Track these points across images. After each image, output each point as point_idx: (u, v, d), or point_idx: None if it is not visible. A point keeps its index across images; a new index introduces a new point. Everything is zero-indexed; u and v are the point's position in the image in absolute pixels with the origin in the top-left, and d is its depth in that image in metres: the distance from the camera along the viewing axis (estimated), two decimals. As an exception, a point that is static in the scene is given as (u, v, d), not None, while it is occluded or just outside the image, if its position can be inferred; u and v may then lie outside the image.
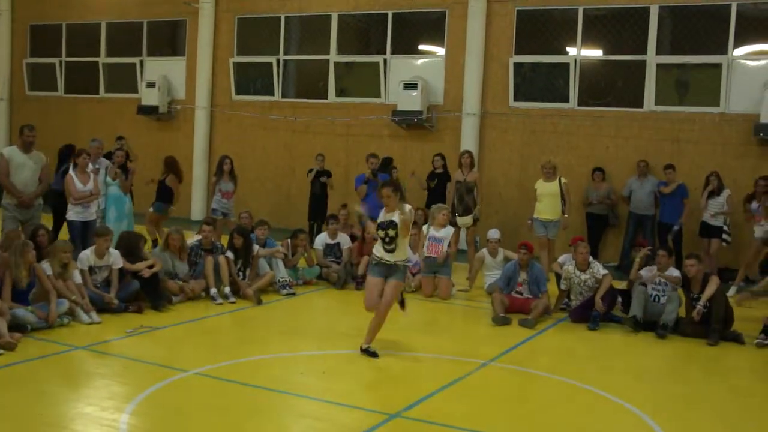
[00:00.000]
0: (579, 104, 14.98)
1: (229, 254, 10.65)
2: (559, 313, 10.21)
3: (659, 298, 9.65)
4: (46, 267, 8.63)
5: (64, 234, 11.03)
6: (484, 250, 11.49)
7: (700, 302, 9.17)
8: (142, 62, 19.30)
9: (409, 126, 16.16)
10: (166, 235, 10.59)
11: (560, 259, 10.74)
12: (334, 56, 17.04)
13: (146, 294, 9.60)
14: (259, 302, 10.22)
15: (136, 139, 16.92)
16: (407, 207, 7.96)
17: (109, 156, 12.76)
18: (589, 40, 14.98)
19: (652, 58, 14.34)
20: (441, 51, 16.20)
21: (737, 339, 9.07)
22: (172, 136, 18.73)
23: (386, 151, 14.95)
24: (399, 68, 16.35)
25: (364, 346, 7.98)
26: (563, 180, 12.18)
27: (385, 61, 16.46)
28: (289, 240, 11.82)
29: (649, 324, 9.39)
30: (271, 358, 7.93)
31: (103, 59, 19.81)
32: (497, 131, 15.60)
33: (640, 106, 14.50)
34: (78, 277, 9.03)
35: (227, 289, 10.30)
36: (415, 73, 16.07)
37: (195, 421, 6.04)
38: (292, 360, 7.87)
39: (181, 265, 10.34)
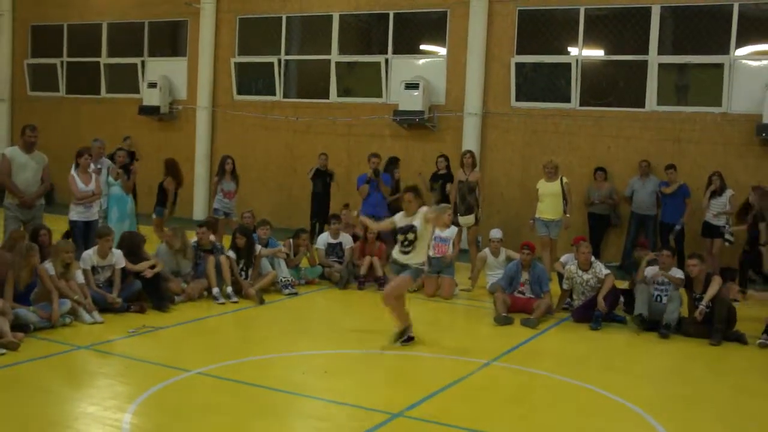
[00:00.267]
0: (581, 104, 14.98)
1: (231, 254, 10.66)
2: (561, 313, 10.20)
3: (662, 299, 9.64)
4: (48, 267, 8.64)
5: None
6: (487, 250, 11.48)
7: (702, 302, 9.16)
8: (143, 62, 19.30)
9: (411, 126, 16.15)
10: (165, 234, 10.61)
11: (562, 258, 10.74)
12: (335, 56, 17.04)
13: (148, 294, 9.61)
14: (262, 302, 10.23)
15: (138, 139, 16.89)
16: (424, 209, 8.15)
17: (112, 157, 12.76)
18: (590, 40, 14.98)
19: (653, 58, 14.33)
20: (442, 51, 16.20)
21: (740, 339, 9.05)
22: (173, 136, 18.74)
23: (388, 151, 14.93)
24: (400, 68, 16.36)
25: (397, 331, 8.26)
26: (565, 180, 12.19)
27: (386, 61, 16.47)
28: (291, 240, 11.82)
29: (652, 324, 9.38)
30: (274, 357, 7.93)
31: (104, 60, 19.82)
32: (499, 131, 15.59)
33: (642, 106, 14.50)
34: (80, 277, 9.04)
35: (229, 289, 10.30)
36: (417, 73, 16.08)
37: (197, 421, 6.04)
38: (294, 359, 7.87)
39: (185, 264, 10.35)
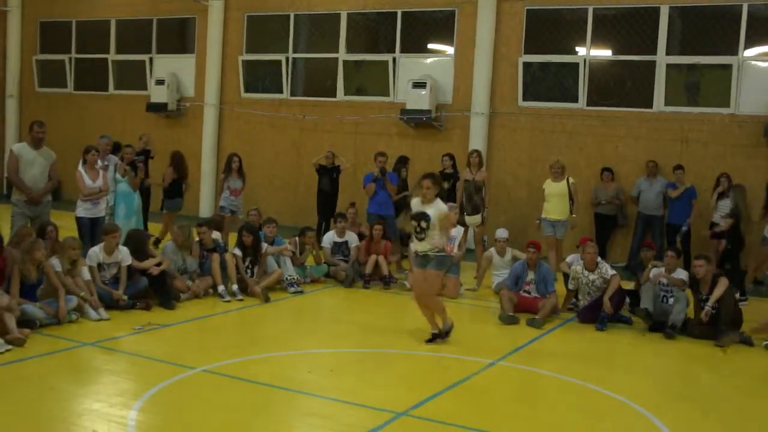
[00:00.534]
0: (588, 104, 14.95)
1: (237, 251, 10.67)
2: (566, 314, 10.19)
3: (667, 299, 9.62)
4: (55, 263, 8.66)
5: (70, 231, 11.05)
6: (492, 250, 11.48)
7: (708, 303, 9.14)
8: (151, 59, 19.34)
9: (418, 125, 16.15)
10: (173, 231, 10.64)
11: (568, 259, 10.73)
12: (343, 54, 17.05)
13: (154, 291, 9.63)
14: (267, 300, 10.23)
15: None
16: (443, 206, 8.30)
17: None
18: (598, 40, 14.95)
19: (661, 59, 14.29)
20: (450, 50, 16.19)
21: (746, 341, 9.03)
22: (180, 133, 18.77)
23: (394, 150, 14.93)
24: (408, 67, 16.35)
25: (435, 332, 8.47)
26: (571, 180, 12.16)
27: (394, 59, 16.46)
28: (297, 238, 11.81)
29: (658, 324, 9.37)
30: (279, 355, 7.93)
31: (112, 56, 19.87)
32: (506, 131, 15.57)
33: (650, 106, 14.46)
34: (86, 274, 9.06)
35: (235, 287, 10.32)
36: (424, 72, 16.07)
37: (202, 418, 6.05)
38: (299, 358, 7.88)
39: (191, 261, 10.37)
